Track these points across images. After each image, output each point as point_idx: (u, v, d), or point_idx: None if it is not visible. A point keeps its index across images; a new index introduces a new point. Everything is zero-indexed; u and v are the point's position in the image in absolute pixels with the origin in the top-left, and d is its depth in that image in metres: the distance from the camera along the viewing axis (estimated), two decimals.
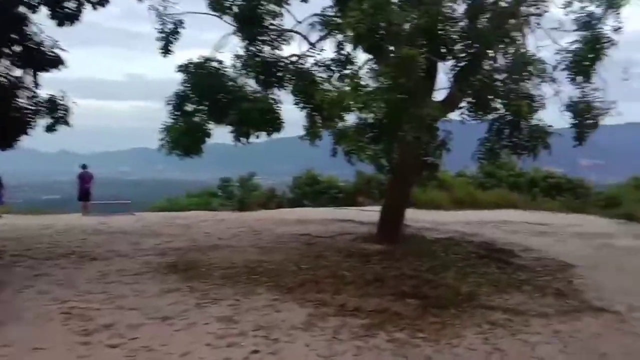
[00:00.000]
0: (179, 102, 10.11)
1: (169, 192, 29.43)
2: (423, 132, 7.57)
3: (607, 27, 9.21)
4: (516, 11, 9.96)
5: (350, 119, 8.81)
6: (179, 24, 10.37)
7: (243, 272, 8.68)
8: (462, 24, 9.95)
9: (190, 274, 8.62)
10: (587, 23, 9.43)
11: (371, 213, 14.23)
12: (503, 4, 10.02)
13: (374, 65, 8.24)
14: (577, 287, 8.51)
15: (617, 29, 9.12)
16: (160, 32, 10.32)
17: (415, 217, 16.45)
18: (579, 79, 9.31)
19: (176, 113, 10.13)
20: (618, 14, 9.81)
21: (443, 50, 9.31)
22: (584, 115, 9.48)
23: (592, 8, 9.85)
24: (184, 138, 9.82)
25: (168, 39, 10.31)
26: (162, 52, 10.36)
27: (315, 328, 6.14)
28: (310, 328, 6.14)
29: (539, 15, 9.99)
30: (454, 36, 9.11)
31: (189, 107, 10.21)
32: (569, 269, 9.79)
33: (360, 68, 8.74)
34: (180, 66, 10.15)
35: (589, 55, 8.89)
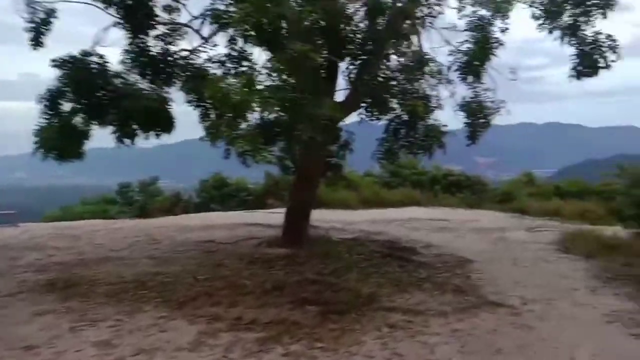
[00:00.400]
0: (52, 100, 8.97)
1: (67, 200, 27.09)
2: (318, 132, 7.22)
3: (495, 29, 9.47)
4: (411, 12, 9.98)
5: (246, 118, 8.28)
6: (51, 13, 9.21)
7: (131, 288, 7.83)
8: (361, 25, 9.85)
9: (70, 293, 7.62)
10: (478, 25, 9.63)
11: (280, 215, 13.77)
12: (399, 4, 10.02)
13: (270, 62, 7.78)
14: (474, 282, 8.60)
15: (504, 30, 9.42)
16: (30, 22, 9.13)
17: (324, 218, 16.23)
18: (470, 78, 9.49)
19: (49, 112, 8.99)
20: (506, 17, 10.16)
21: (343, 51, 9.07)
22: (477, 115, 9.70)
23: (482, 12, 10.15)
24: (58, 140, 8.72)
25: (39, 30, 9.12)
26: (32, 45, 9.14)
27: (205, 347, 5.54)
28: (199, 348, 5.53)
29: (433, 17, 10.08)
30: (351, 35, 8.89)
31: (66, 107, 9.12)
32: (468, 264, 9.94)
33: (254, 64, 8.24)
34: (54, 60, 9.02)
35: (479, 55, 9.08)
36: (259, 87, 7.00)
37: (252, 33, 6.93)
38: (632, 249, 10.93)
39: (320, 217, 16.44)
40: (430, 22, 9.60)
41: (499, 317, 6.80)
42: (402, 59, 9.26)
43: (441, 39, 10.21)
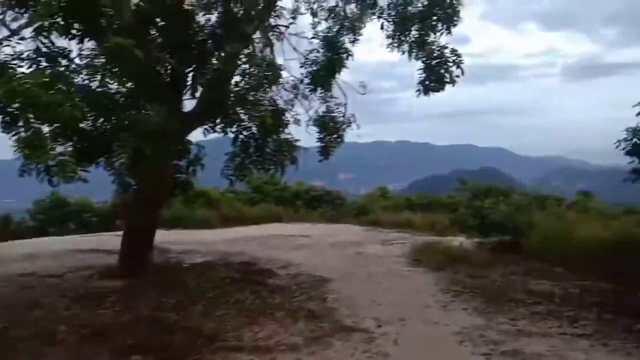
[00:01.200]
0: None
1: None
2: (147, 143, 5.99)
3: (345, 40, 9.10)
4: (262, 21, 9.25)
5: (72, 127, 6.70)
6: None
7: None
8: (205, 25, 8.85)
9: None
10: (329, 37, 9.19)
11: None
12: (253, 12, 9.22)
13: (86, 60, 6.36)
14: (330, 304, 7.95)
15: (353, 41, 9.09)
16: None
17: (178, 239, 14.83)
18: (319, 91, 8.98)
19: None
20: (359, 34, 9.94)
21: (181, 51, 7.94)
22: (329, 129, 9.20)
23: (336, 28, 9.80)
24: None
25: None
26: None
27: None
28: None
29: (285, 26, 9.46)
30: (192, 34, 7.82)
31: None
32: (324, 284, 9.31)
33: (69, 61, 6.67)
34: None
35: (328, 66, 8.59)
36: (62, 87, 5.54)
37: (60, 21, 5.51)
38: (475, 259, 11.28)
39: (173, 238, 14.94)
40: (279, 32, 8.91)
41: (353, 345, 6.15)
42: (250, 67, 8.35)
43: (294, 51, 9.69)
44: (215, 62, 8.19)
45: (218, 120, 8.34)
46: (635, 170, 8.76)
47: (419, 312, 7.45)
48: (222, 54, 8.46)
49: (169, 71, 9.04)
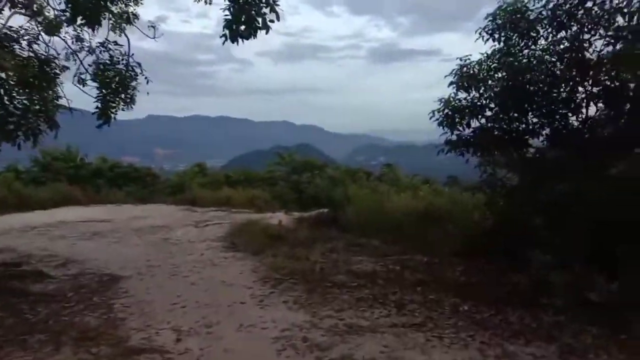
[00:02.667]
0: None
1: None
2: None
3: None
4: None
5: None
6: None
7: None
8: None
9: None
10: None
11: None
12: None
13: None
14: (117, 314, 5.91)
15: None
16: None
17: None
18: (82, 19, 6.50)
19: None
20: None
21: None
22: (112, 86, 6.86)
23: None
24: None
25: None
26: None
27: None
28: None
29: None
30: None
31: None
32: (114, 284, 7.16)
33: None
34: None
35: None
36: None
37: None
38: (295, 236, 10.25)
39: None
40: None
41: None
42: None
43: None
44: None
45: None
46: (448, 142, 8.46)
47: (232, 314, 5.91)
48: None
49: None
